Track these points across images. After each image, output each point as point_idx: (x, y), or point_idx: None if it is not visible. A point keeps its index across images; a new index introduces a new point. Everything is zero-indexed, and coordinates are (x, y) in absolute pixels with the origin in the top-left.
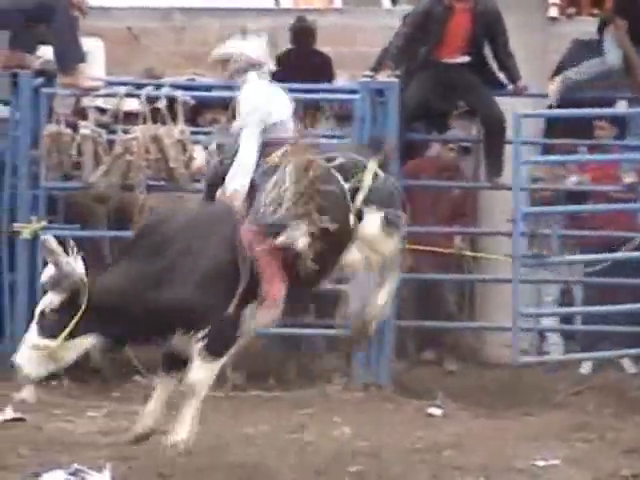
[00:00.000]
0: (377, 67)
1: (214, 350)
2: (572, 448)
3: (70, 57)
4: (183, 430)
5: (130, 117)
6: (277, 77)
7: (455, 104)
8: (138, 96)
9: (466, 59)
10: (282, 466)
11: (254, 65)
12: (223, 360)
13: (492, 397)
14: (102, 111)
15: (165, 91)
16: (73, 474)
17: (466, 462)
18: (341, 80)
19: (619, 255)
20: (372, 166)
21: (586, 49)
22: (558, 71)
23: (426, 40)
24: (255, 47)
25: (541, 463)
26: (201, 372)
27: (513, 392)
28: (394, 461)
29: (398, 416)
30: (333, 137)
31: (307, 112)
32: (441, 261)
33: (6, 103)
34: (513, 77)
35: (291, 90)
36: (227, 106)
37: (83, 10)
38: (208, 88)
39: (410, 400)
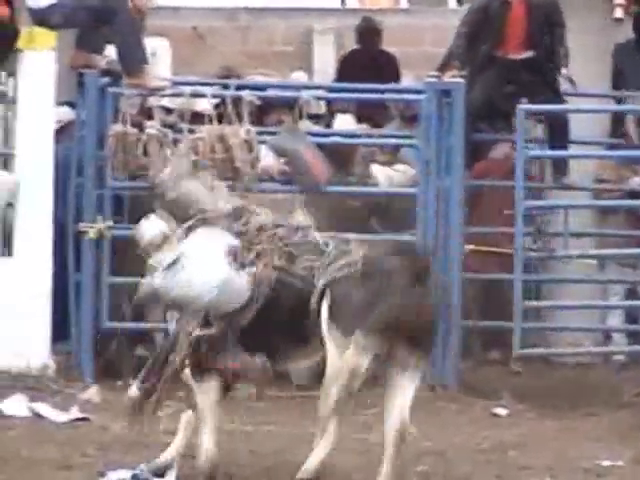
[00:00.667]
0: (443, 67)
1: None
2: (637, 449)
3: (133, 59)
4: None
5: (197, 117)
6: (343, 77)
7: (519, 102)
8: (203, 96)
9: (530, 54)
10: (347, 466)
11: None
12: (206, 384)
13: (558, 397)
14: (168, 111)
15: (231, 91)
16: (139, 474)
17: (531, 462)
18: (407, 80)
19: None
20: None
21: (628, 50)
22: (615, 77)
23: (486, 37)
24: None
25: (606, 463)
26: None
27: (578, 392)
28: (459, 461)
29: (463, 416)
30: (399, 137)
31: (373, 112)
32: (507, 261)
33: (71, 104)
34: (560, 64)
35: (357, 90)
36: (292, 106)
37: (143, 12)
38: (271, 88)
39: (476, 400)
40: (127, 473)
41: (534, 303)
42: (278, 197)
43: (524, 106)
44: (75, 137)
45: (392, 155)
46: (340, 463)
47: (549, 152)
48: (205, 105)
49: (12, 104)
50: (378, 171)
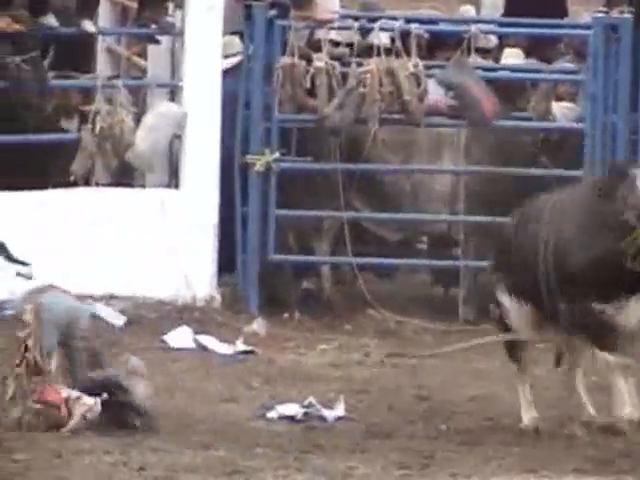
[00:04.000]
0: (611, 2)
1: None
2: None
3: None
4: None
5: (367, 50)
6: (511, 11)
7: None
8: (371, 30)
9: None
10: (513, 399)
11: None
12: None
13: None
14: (336, 44)
15: (399, 25)
16: (307, 407)
17: None
18: (576, 16)
19: None
20: None
21: None
22: None
23: None
24: None
25: None
26: None
27: None
28: None
29: None
30: (567, 73)
31: (543, 47)
32: None
33: (237, 33)
34: None
35: (525, 25)
36: (460, 41)
37: None
38: (440, 22)
39: None
40: (295, 406)
41: None
42: (444, 131)
43: (600, 15)
44: (242, 68)
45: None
46: (506, 396)
47: None
48: (382, 38)
49: (179, 36)
50: (555, 108)
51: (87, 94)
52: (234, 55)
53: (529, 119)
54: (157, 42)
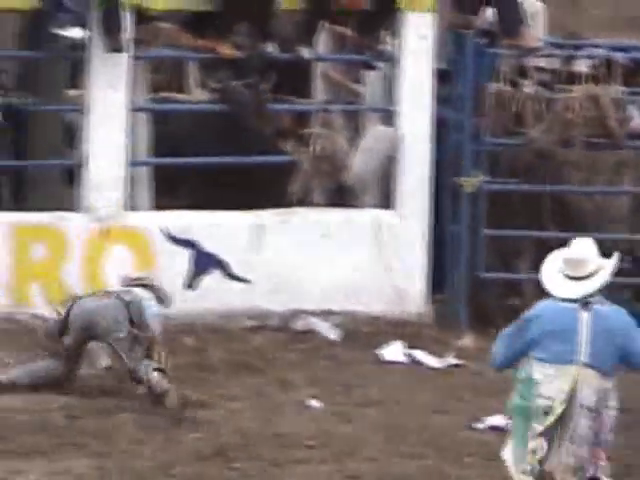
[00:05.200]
0: None
1: None
2: None
3: (512, 21)
4: None
5: (572, 77)
6: None
7: None
8: (575, 57)
9: None
10: None
11: None
12: None
13: None
14: (543, 70)
15: (602, 53)
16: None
17: None
18: None
19: None
20: None
21: None
22: None
23: None
24: None
25: None
26: None
27: None
28: None
29: None
30: None
31: None
32: None
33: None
34: None
35: None
36: None
37: None
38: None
39: None
40: (503, 418)
41: None
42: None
43: None
44: (452, 94)
45: None
46: None
47: None
48: (582, 66)
49: (395, 63)
50: None
51: (302, 117)
52: None
53: None
54: (373, 68)
